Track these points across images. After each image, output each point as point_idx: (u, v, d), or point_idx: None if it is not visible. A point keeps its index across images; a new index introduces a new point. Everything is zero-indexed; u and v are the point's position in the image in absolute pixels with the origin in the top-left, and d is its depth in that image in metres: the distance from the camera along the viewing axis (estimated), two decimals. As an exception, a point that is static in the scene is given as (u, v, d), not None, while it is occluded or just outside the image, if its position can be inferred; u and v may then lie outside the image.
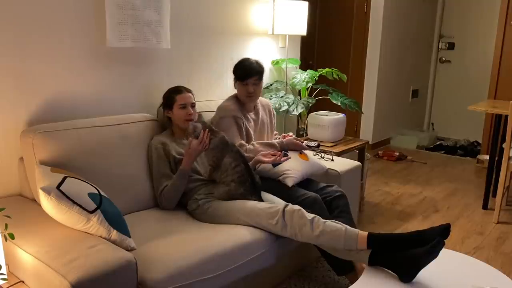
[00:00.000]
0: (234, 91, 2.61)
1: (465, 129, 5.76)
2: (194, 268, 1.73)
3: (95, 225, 1.68)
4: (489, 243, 2.90)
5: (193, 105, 2.33)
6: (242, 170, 2.16)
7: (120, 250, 1.61)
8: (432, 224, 3.17)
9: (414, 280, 1.76)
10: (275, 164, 2.41)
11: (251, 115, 2.61)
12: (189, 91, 2.35)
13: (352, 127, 5.16)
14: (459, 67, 5.78)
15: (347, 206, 2.36)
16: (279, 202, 2.17)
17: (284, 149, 2.54)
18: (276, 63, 3.46)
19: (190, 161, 2.16)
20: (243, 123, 2.52)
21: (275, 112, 2.84)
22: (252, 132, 2.58)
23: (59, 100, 2.24)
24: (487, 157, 4.54)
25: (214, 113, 2.60)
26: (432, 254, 1.73)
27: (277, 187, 2.36)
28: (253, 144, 2.51)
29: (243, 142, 2.50)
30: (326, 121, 3.30)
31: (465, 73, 5.73)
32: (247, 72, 2.49)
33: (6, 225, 1.54)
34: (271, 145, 2.53)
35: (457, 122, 5.87)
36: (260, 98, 2.70)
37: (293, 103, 3.29)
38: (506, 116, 3.18)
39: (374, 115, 5.09)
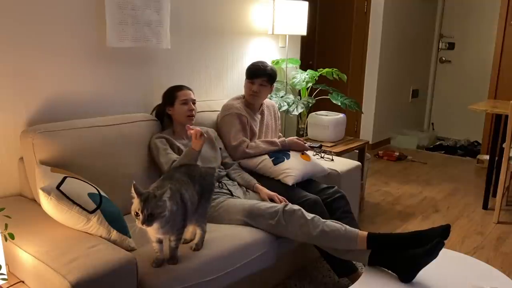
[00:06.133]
0: (234, 91, 2.62)
1: (465, 129, 5.76)
2: (194, 270, 1.73)
3: (95, 225, 1.68)
4: (489, 243, 2.90)
5: (194, 102, 2.34)
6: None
7: (120, 250, 1.61)
8: (432, 224, 3.17)
9: (414, 280, 1.76)
10: (276, 162, 2.42)
11: (256, 115, 2.62)
12: (189, 88, 2.37)
13: (352, 127, 5.16)
14: (459, 67, 5.77)
15: (348, 207, 2.36)
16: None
17: (286, 148, 2.55)
18: (276, 63, 3.45)
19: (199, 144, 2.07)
20: (248, 121, 2.53)
21: (279, 114, 2.85)
22: (257, 131, 2.59)
23: (59, 100, 2.24)
24: (487, 157, 4.53)
25: (217, 112, 2.63)
26: (431, 254, 1.73)
27: (278, 187, 2.36)
28: (255, 142, 2.52)
29: (246, 139, 2.51)
30: (326, 121, 3.30)
31: (465, 73, 5.72)
32: (256, 72, 2.53)
33: (6, 225, 1.54)
34: (272, 143, 2.53)
35: (457, 122, 5.86)
36: (266, 100, 2.72)
37: (293, 103, 3.29)
38: (506, 116, 3.18)
39: (374, 115, 5.08)
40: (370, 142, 5.06)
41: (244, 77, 2.60)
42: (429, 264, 1.74)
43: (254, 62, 2.60)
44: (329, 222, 1.96)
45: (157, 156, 2.21)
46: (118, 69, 2.46)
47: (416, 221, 3.24)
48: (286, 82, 3.51)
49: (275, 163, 2.42)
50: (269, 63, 2.65)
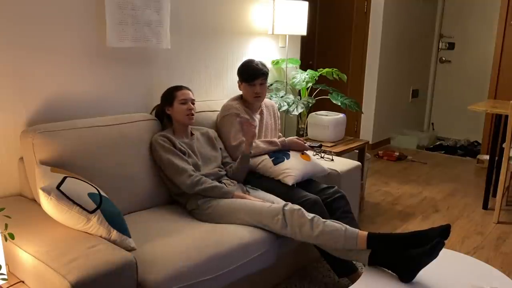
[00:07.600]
0: (234, 91, 2.62)
1: (465, 129, 5.76)
2: (194, 269, 1.73)
3: (95, 225, 1.68)
4: (489, 243, 2.90)
5: (193, 102, 2.34)
6: None
7: (120, 250, 1.61)
8: (432, 224, 3.17)
9: (414, 280, 1.76)
10: (276, 162, 2.42)
11: (256, 116, 2.62)
12: (188, 88, 2.37)
13: (352, 127, 5.16)
14: (459, 67, 5.78)
15: (348, 207, 2.36)
16: (278, 202, 2.17)
17: (286, 148, 2.55)
18: (276, 63, 3.45)
19: (248, 143, 2.33)
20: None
21: (279, 114, 2.85)
22: (256, 131, 2.59)
23: (59, 100, 2.24)
24: (487, 157, 4.54)
25: (217, 112, 2.62)
26: (432, 254, 1.73)
27: (278, 187, 2.36)
28: (255, 142, 2.52)
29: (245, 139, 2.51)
30: (326, 121, 3.30)
31: (465, 73, 5.73)
32: (254, 74, 2.51)
33: (6, 225, 1.54)
34: (272, 143, 2.53)
35: (457, 122, 5.87)
36: (266, 99, 2.71)
37: (293, 103, 3.29)
38: (506, 116, 3.18)
39: (374, 115, 5.09)
40: (370, 142, 5.06)
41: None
42: (429, 264, 1.74)
43: (245, 64, 2.56)
44: (329, 222, 1.96)
45: (164, 154, 2.19)
46: (118, 69, 2.46)
47: (416, 221, 3.24)
48: (286, 82, 3.51)
49: (275, 163, 2.42)
50: (267, 62, 2.64)
